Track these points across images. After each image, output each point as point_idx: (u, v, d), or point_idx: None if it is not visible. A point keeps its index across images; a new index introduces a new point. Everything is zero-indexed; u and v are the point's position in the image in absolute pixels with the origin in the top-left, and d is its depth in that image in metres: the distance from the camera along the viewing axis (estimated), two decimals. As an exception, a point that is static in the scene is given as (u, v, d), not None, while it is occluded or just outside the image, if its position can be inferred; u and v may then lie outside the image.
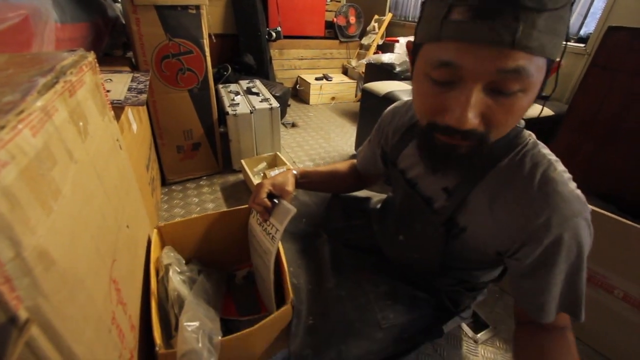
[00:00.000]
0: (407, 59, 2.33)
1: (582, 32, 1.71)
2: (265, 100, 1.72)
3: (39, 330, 0.31)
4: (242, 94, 1.81)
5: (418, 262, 0.70)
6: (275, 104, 1.68)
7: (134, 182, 0.76)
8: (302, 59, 3.07)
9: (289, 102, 2.65)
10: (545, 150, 0.51)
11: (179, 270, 0.72)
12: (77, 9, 1.08)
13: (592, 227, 0.48)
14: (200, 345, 0.52)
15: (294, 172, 0.78)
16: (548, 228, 0.46)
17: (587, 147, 1.21)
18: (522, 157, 0.50)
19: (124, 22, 1.44)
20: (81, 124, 0.50)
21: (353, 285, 0.70)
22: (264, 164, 1.65)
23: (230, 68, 2.31)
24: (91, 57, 0.65)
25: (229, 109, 1.57)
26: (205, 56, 1.39)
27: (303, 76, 3.04)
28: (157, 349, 0.53)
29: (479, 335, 0.96)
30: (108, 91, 0.92)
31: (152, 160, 1.30)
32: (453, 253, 0.60)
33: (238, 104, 1.64)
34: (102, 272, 0.45)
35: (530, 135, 0.53)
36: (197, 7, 1.30)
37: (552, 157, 0.50)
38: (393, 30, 3.14)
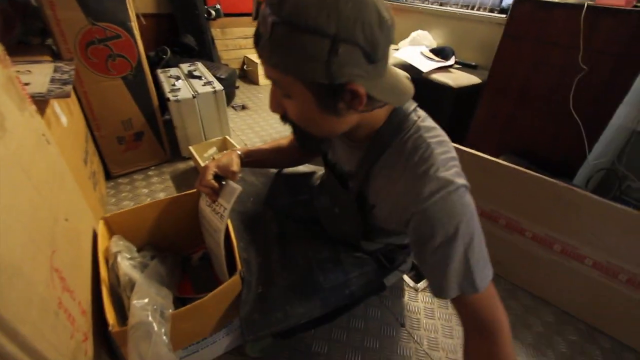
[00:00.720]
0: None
1: (503, 4, 1.86)
2: (209, 83, 1.68)
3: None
4: (183, 78, 1.76)
5: (348, 233, 0.77)
6: (219, 87, 1.66)
7: (69, 176, 0.75)
8: (247, 38, 2.98)
9: (237, 84, 2.60)
10: (428, 133, 0.54)
11: (128, 257, 0.74)
12: (-24, -6, 0.98)
13: (469, 201, 0.51)
14: (150, 318, 0.56)
15: (239, 152, 0.81)
16: (420, 206, 0.50)
17: (505, 110, 1.35)
18: (406, 142, 0.54)
19: (35, 4, 1.32)
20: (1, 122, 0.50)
21: (298, 254, 0.77)
22: (213, 149, 1.65)
23: (169, 51, 2.19)
24: (1, 51, 0.62)
25: (169, 95, 1.52)
26: (135, 40, 1.33)
27: (250, 56, 2.96)
28: (110, 328, 0.56)
29: (419, 284, 1.09)
30: (26, 84, 0.87)
31: (91, 154, 1.25)
32: (374, 225, 0.67)
33: (179, 89, 1.60)
34: (41, 261, 0.47)
35: (417, 120, 0.56)
36: (120, -12, 1.22)
37: (434, 139, 0.53)
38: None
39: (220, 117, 1.72)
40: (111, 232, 0.84)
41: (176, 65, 2.02)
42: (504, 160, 1.26)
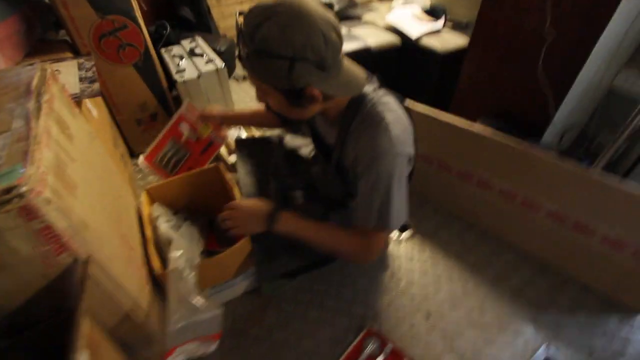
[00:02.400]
0: (345, -3, 2.37)
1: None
2: (211, 61, 1.79)
3: (94, 264, 0.55)
4: (186, 57, 1.86)
5: (337, 194, 0.96)
6: (220, 64, 1.77)
7: (112, 163, 0.95)
8: (242, 3, 2.98)
9: (236, 54, 2.67)
10: (380, 107, 0.71)
11: (166, 220, 0.96)
12: (2, 3, 1.10)
13: (401, 162, 0.71)
14: (182, 265, 0.78)
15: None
16: (365, 161, 0.71)
17: (485, 72, 1.44)
18: (363, 115, 0.72)
19: (47, 1, 1.42)
20: (66, 131, 0.68)
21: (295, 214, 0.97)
22: (220, 124, 1.81)
23: (168, 26, 2.26)
24: (49, 68, 0.79)
25: (176, 77, 1.65)
26: (141, 29, 1.44)
27: (246, 22, 2.97)
28: (155, 271, 0.79)
29: (401, 236, 1.30)
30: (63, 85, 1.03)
31: (117, 138, 1.43)
32: (353, 185, 0.83)
33: (184, 69, 1.72)
34: (115, 229, 0.68)
35: (374, 97, 0.73)
36: (121, -20, 1.31)
37: (385, 108, 0.71)
38: (331, -39, 3.04)
39: (224, 92, 1.85)
40: (152, 200, 1.06)
41: (177, 42, 2.11)
42: (481, 122, 1.40)
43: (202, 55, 1.86)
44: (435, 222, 1.34)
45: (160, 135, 1.28)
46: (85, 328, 0.44)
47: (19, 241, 0.45)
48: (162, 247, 0.90)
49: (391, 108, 0.73)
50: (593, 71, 1.20)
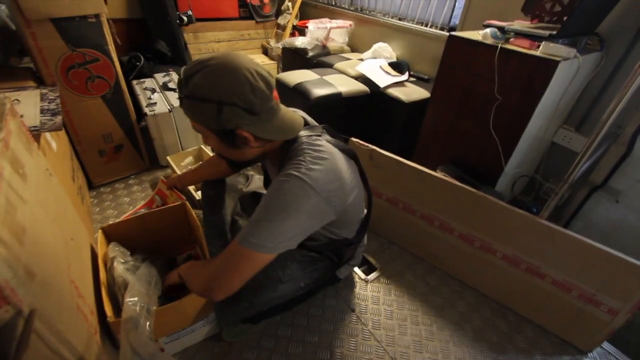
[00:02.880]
0: (319, 44, 2.53)
1: (452, 23, 2.08)
2: (183, 96, 1.80)
3: (37, 318, 0.50)
4: (158, 90, 1.86)
5: None
6: (193, 99, 1.78)
7: (68, 200, 0.89)
8: (219, 42, 3.07)
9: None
10: (308, 148, 0.75)
11: (122, 261, 0.91)
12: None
13: (300, 196, 0.68)
14: (138, 312, 0.73)
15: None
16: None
17: (445, 125, 1.57)
18: (291, 155, 0.76)
19: (14, 28, 1.39)
20: (20, 170, 0.64)
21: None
22: (190, 159, 1.78)
23: (142, 58, 2.26)
24: (8, 102, 0.76)
25: (147, 110, 1.64)
26: (113, 62, 1.44)
27: (222, 59, 3.05)
28: (108, 319, 0.73)
29: (369, 276, 1.31)
30: (20, 116, 0.98)
31: (76, 170, 1.37)
32: None
33: (155, 102, 1.71)
34: (64, 276, 0.63)
35: (302, 139, 0.78)
36: (97, 16, 1.32)
37: (308, 150, 0.74)
38: (306, 11, 3.26)
39: (196, 127, 1.85)
40: (108, 239, 1.00)
41: (150, 75, 2.11)
42: (442, 169, 1.49)
43: (175, 90, 1.87)
44: (401, 263, 1.38)
45: (137, 207, 1.44)
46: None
47: (-48, 296, 0.41)
48: (117, 292, 0.84)
49: (319, 149, 0.75)
50: (536, 129, 1.35)
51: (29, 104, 1.09)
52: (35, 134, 0.94)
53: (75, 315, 0.64)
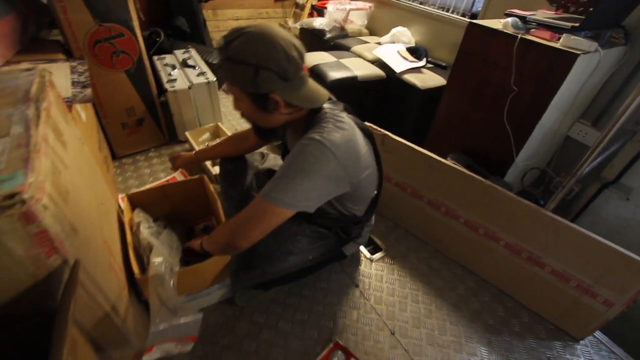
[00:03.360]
0: (338, 25, 2.51)
1: (474, 9, 2.03)
2: (202, 74, 1.85)
3: (80, 268, 0.57)
4: (178, 66, 1.91)
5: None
6: (211, 77, 1.83)
7: (97, 168, 0.97)
8: (237, 19, 3.07)
9: (217, 64, 2.73)
10: (330, 119, 0.79)
11: (147, 226, 0.99)
12: (1, 1, 1.12)
13: (320, 158, 0.73)
14: (163, 271, 0.81)
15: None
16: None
17: (459, 113, 1.58)
18: (314, 122, 0.81)
19: (45, 1, 1.44)
20: (61, 138, 0.71)
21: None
22: (207, 135, 1.84)
23: (162, 34, 2.30)
24: (48, 75, 0.82)
25: (167, 86, 1.69)
26: (137, 38, 1.48)
27: (240, 37, 3.06)
28: (135, 276, 0.81)
29: (374, 256, 1.37)
30: (55, 87, 1.05)
31: (101, 140, 1.44)
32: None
33: (175, 79, 1.76)
34: (98, 236, 0.71)
35: (326, 110, 0.83)
36: (123, -9, 1.36)
37: (331, 119, 0.79)
38: (326, -11, 3.20)
39: (213, 104, 1.90)
40: (133, 206, 1.08)
41: (170, 51, 2.15)
42: (452, 157, 1.52)
43: (194, 67, 1.91)
44: (406, 245, 1.43)
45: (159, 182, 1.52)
46: (71, 332, 0.47)
47: (15, 243, 0.48)
48: (142, 253, 0.92)
49: (341, 120, 0.80)
50: (550, 122, 1.35)
51: (60, 76, 1.16)
52: (68, 104, 1.01)
53: (109, 271, 0.71)
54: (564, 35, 1.13)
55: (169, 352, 0.80)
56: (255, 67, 0.71)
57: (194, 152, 1.30)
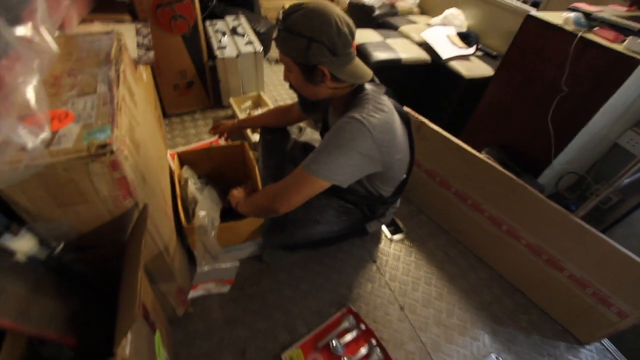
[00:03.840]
0: (388, 2, 2.44)
1: (537, -3, 1.90)
2: (250, 43, 1.91)
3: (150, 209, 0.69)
4: (228, 34, 1.98)
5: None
6: (259, 47, 1.89)
7: (157, 126, 1.08)
8: (287, -13, 3.05)
9: (274, 36, 2.76)
10: (372, 100, 0.83)
11: (193, 182, 1.11)
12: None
13: (359, 135, 0.79)
14: (207, 223, 0.92)
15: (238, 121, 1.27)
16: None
17: (506, 101, 1.53)
18: (356, 102, 0.85)
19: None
20: (134, 97, 0.81)
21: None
22: (249, 103, 1.93)
23: (215, -1, 2.36)
24: (123, 39, 0.92)
25: (217, 52, 1.77)
26: (194, 4, 1.56)
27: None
28: (183, 224, 0.94)
29: (394, 236, 1.43)
30: (123, 48, 1.16)
31: (157, 100, 1.57)
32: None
33: (225, 46, 1.83)
34: (158, 185, 0.82)
35: (369, 91, 0.86)
36: (186, -44, 1.42)
37: (372, 101, 0.83)
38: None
39: (257, 74, 1.97)
40: (181, 162, 1.21)
41: (221, 16, 2.22)
42: (487, 151, 1.51)
43: (243, 35, 1.97)
44: (426, 231, 1.48)
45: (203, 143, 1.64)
46: (143, 262, 0.59)
47: (102, 185, 0.59)
48: (188, 205, 1.05)
49: (381, 102, 0.85)
50: (598, 128, 1.29)
51: (127, 37, 1.26)
52: (135, 65, 1.11)
53: (164, 216, 0.84)
54: (630, 37, 1.07)
55: (210, 291, 0.93)
56: (308, 39, 0.77)
57: (236, 120, 1.38)
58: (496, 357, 1.11)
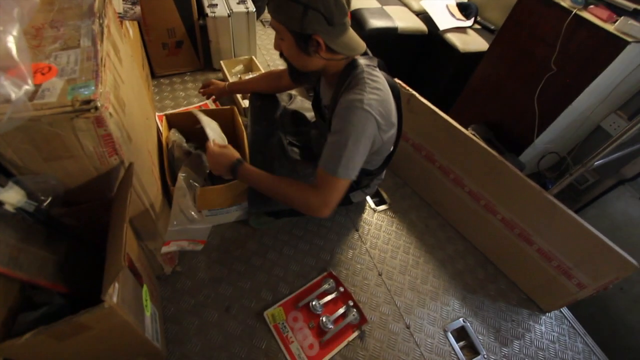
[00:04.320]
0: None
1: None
2: (242, 2, 1.83)
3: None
4: (220, -9, 1.88)
5: None
6: (251, 7, 1.81)
7: (143, 85, 1.07)
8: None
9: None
10: (367, 77, 0.83)
11: (180, 145, 1.11)
12: None
13: (365, 120, 0.80)
14: (186, 185, 0.94)
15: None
16: (339, 112, 0.83)
17: (497, 78, 1.54)
18: (351, 80, 0.85)
19: None
20: (118, 54, 0.80)
21: (290, 166, 1.13)
22: (240, 67, 1.89)
23: (207, -49, 2.22)
24: (107, -10, 0.87)
25: (208, 10, 1.70)
26: (184, -45, 1.47)
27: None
28: (169, 185, 0.96)
29: (378, 207, 1.48)
30: (108, 0, 1.11)
31: (144, 58, 1.53)
32: None
33: (216, 4, 1.76)
34: (144, 146, 0.83)
35: (363, 67, 0.86)
36: None
37: (368, 80, 0.83)
38: None
39: (250, 36, 1.91)
40: (169, 125, 1.20)
41: (214, -28, 2.09)
42: (473, 128, 1.53)
43: (236, -6, 1.88)
44: (409, 203, 1.53)
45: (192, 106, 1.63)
46: (128, 217, 0.61)
47: (87, 141, 0.60)
48: (175, 168, 1.06)
49: (377, 80, 0.85)
50: (582, 108, 1.32)
51: (112, -12, 1.20)
52: (120, 20, 1.07)
53: (150, 175, 0.85)
54: (622, 17, 1.07)
55: (183, 248, 0.98)
56: (305, 6, 0.74)
57: (227, 83, 1.36)
58: (463, 321, 1.20)
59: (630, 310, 1.57)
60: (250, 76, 1.73)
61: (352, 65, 0.88)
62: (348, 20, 0.82)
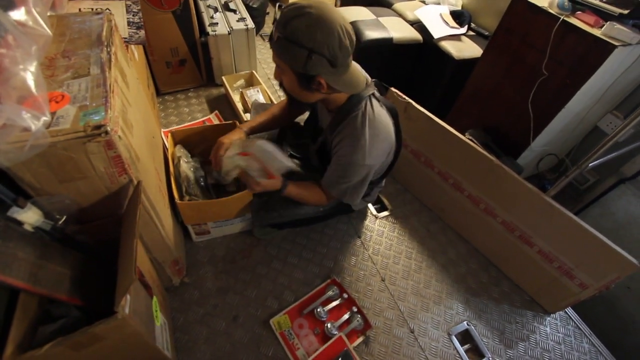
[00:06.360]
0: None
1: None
2: (242, 19, 1.89)
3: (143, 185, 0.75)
4: (220, 9, 1.96)
5: (322, 167, 1.14)
6: (250, 24, 1.88)
7: (148, 105, 1.12)
8: (282, -41, 2.96)
9: (267, 11, 2.72)
10: (369, 117, 0.90)
11: (186, 161, 1.16)
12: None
13: (364, 164, 0.91)
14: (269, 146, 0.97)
15: (244, 129, 1.13)
16: (341, 159, 0.93)
17: (491, 84, 1.57)
18: (355, 118, 0.91)
19: None
20: (125, 79, 0.85)
21: (292, 179, 1.16)
22: (241, 81, 1.95)
23: (206, -29, 2.30)
24: (113, 18, 0.94)
25: (209, 29, 1.77)
26: (185, -21, 1.54)
27: (283, -21, 2.98)
28: (176, 200, 1.00)
29: (379, 214, 1.51)
30: (114, 26, 1.17)
31: (149, 78, 1.59)
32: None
33: (217, 23, 1.83)
34: (151, 164, 0.88)
35: (367, 106, 0.91)
36: None
37: (373, 118, 0.90)
38: None
39: (250, 51, 1.97)
40: (175, 141, 1.25)
41: (214, -10, 2.17)
42: (470, 133, 1.56)
43: (235, 12, 1.96)
44: (410, 209, 1.55)
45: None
46: (137, 232, 0.65)
47: (99, 162, 0.65)
48: (182, 182, 1.10)
49: (379, 119, 0.90)
50: (577, 110, 1.34)
51: (117, 14, 1.27)
52: (125, 45, 1.14)
53: (158, 192, 0.90)
54: (608, 22, 1.10)
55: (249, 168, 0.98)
56: (309, 50, 0.75)
57: (243, 130, 1.14)
58: (467, 324, 1.21)
59: (638, 308, 1.56)
60: (252, 91, 1.79)
61: (354, 101, 0.91)
62: (351, 59, 0.85)
